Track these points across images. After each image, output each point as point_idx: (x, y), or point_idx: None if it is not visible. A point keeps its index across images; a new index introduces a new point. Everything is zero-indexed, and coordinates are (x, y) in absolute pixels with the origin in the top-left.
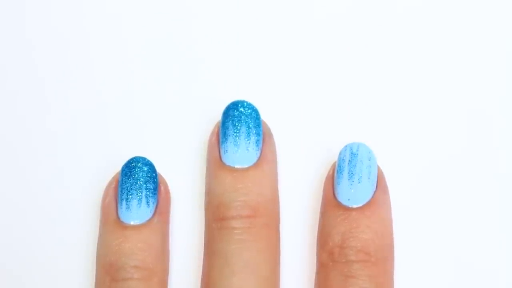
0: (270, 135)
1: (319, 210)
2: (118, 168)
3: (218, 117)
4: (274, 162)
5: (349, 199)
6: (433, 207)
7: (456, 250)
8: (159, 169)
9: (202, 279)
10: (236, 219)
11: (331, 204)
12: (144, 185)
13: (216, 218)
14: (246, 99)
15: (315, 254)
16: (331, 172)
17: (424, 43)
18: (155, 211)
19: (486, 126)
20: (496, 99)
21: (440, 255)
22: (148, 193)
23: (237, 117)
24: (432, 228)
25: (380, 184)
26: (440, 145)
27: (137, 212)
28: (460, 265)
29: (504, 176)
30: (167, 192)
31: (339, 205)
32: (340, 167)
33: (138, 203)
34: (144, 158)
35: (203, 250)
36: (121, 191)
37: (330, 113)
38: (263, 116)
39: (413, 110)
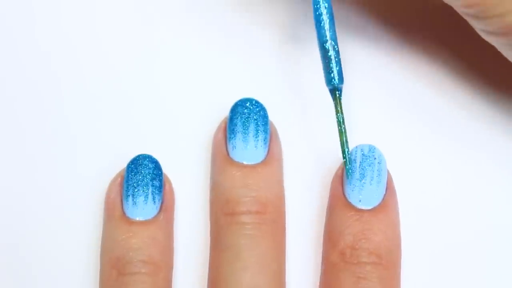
0: (277, 134)
1: (323, 208)
2: (122, 165)
3: (221, 115)
4: (280, 160)
5: (360, 201)
6: (438, 209)
7: (459, 253)
8: (163, 166)
9: (210, 274)
10: (246, 214)
11: (340, 203)
12: (151, 182)
13: (225, 212)
14: (253, 97)
15: (319, 251)
16: (339, 172)
17: (428, 47)
18: (161, 208)
19: (489, 128)
20: (501, 101)
21: (444, 257)
22: (154, 190)
23: (246, 114)
24: (436, 231)
25: (389, 187)
26: (447, 148)
27: (143, 209)
28: (463, 267)
29: (509, 178)
30: (172, 189)
31: (349, 205)
32: (350, 167)
33: (145, 200)
34: (150, 156)
35: (207, 247)
36: (127, 188)
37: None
38: (269, 115)
39: (420, 113)
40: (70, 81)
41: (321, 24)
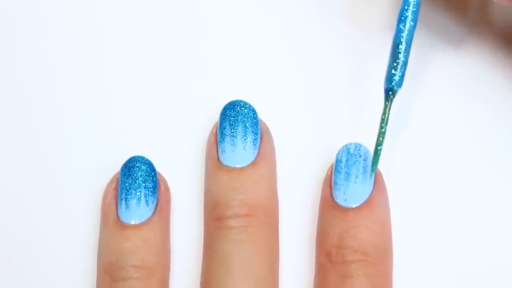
0: (268, 134)
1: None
2: (118, 167)
3: (218, 116)
4: (272, 160)
5: (345, 200)
6: (431, 207)
7: (455, 250)
8: (159, 169)
9: (200, 279)
10: (233, 218)
11: (328, 204)
12: (143, 184)
13: (214, 217)
14: (243, 99)
15: (314, 254)
16: (329, 173)
17: (426, 47)
18: (155, 209)
19: (484, 127)
20: (495, 99)
21: (439, 255)
22: (147, 192)
23: (234, 117)
24: (430, 228)
25: (378, 184)
26: (438, 145)
27: (136, 212)
28: (459, 265)
29: (501, 176)
30: (167, 190)
31: (336, 205)
32: (337, 167)
33: (137, 203)
34: (142, 157)
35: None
36: (121, 191)
37: (329, 113)
38: (262, 116)
39: (411, 111)
40: (65, 84)
41: (402, 25)
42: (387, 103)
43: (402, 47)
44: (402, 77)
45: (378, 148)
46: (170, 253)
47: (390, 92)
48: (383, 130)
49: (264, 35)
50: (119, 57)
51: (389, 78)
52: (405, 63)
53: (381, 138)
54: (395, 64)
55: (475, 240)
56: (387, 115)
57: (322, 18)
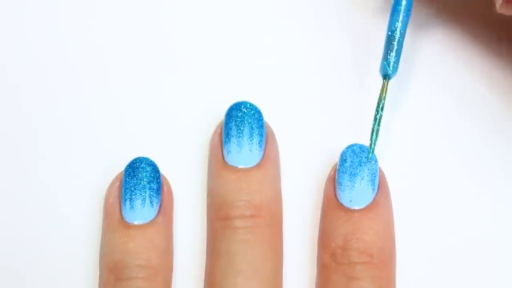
0: (273, 135)
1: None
2: (121, 168)
3: (220, 117)
4: (277, 162)
5: (350, 201)
6: (434, 209)
7: (456, 251)
8: (162, 169)
9: (205, 279)
10: (239, 218)
11: (332, 205)
12: (148, 185)
13: (220, 217)
14: (248, 100)
15: (317, 254)
16: (332, 173)
17: (424, 47)
18: (159, 211)
19: (484, 127)
20: (497, 100)
21: (441, 257)
22: (151, 193)
23: (240, 117)
24: (432, 230)
25: (382, 186)
26: (441, 147)
27: (141, 212)
28: (460, 267)
29: (503, 178)
30: (170, 192)
31: (340, 206)
32: (342, 168)
33: (142, 203)
34: (147, 159)
35: (206, 248)
36: (125, 191)
37: (332, 114)
38: (266, 117)
39: (414, 112)
40: (69, 84)
41: (397, 14)
42: (383, 88)
43: (396, 35)
44: (396, 63)
45: (374, 134)
46: (173, 255)
47: (384, 79)
48: (379, 115)
49: (267, 37)
50: (123, 58)
51: (384, 66)
52: (399, 51)
53: (377, 124)
54: (389, 51)
55: (476, 243)
56: (382, 101)
57: (322, 17)
